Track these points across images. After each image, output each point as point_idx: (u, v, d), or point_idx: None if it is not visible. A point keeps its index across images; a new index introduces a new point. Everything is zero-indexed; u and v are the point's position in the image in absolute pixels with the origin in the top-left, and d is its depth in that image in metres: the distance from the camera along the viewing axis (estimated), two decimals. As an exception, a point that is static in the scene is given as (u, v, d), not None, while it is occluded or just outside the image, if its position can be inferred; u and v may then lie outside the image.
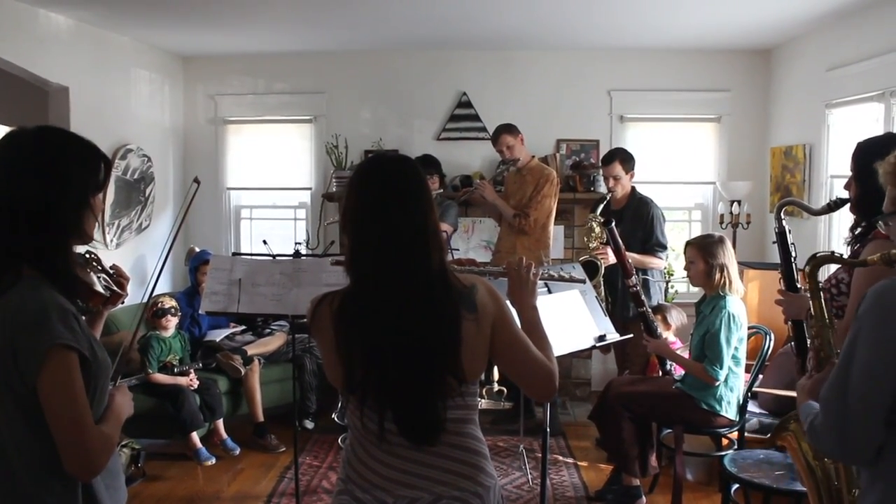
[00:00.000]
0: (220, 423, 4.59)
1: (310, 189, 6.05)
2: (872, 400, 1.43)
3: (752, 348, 3.89)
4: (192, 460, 4.39)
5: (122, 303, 1.87)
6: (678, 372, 3.94)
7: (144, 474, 4.15)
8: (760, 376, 3.81)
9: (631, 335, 3.85)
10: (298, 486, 3.73)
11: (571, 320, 3.29)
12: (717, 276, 3.53)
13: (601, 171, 4.83)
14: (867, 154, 2.16)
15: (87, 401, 1.48)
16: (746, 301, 4.21)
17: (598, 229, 4.38)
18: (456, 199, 5.11)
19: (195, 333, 5.03)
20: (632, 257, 4.15)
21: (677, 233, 5.81)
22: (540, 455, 3.79)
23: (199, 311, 4.45)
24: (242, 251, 5.94)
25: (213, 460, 4.41)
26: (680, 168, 5.83)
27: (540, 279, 1.95)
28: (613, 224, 4.04)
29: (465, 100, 5.85)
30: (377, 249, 1.60)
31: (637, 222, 4.43)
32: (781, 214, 2.55)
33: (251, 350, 4.90)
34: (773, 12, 4.53)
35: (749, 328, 3.69)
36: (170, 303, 4.66)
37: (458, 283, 1.64)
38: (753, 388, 3.73)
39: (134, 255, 5.41)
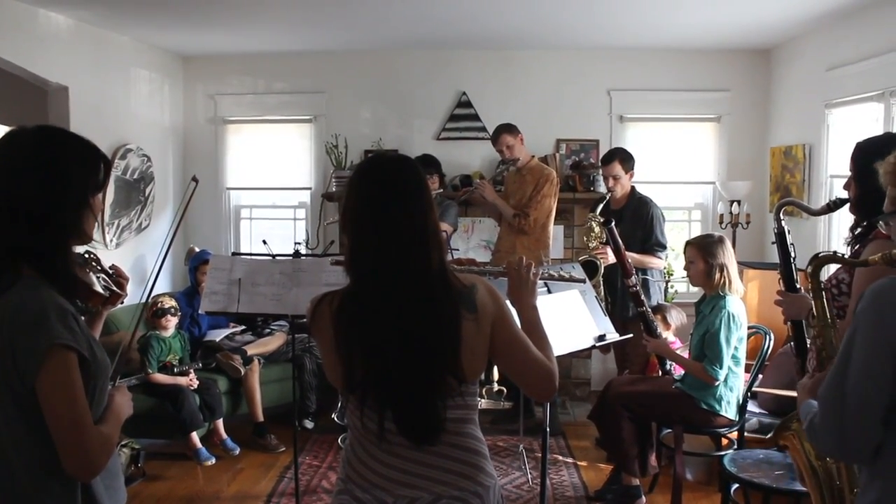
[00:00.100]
0: (220, 422, 4.59)
1: (309, 189, 6.05)
2: (870, 398, 1.43)
3: (751, 348, 3.89)
4: (191, 460, 4.39)
5: (122, 303, 1.87)
6: (678, 372, 3.94)
7: (144, 474, 4.15)
8: (760, 376, 3.80)
9: (630, 335, 3.85)
10: (298, 485, 3.73)
11: (571, 320, 3.29)
12: (717, 275, 3.53)
13: (601, 171, 4.83)
14: (866, 154, 2.16)
15: (86, 401, 1.48)
16: (746, 301, 4.21)
17: (597, 229, 4.37)
18: (456, 198, 5.11)
19: (195, 333, 5.03)
20: (631, 257, 4.15)
21: (677, 233, 5.81)
22: (540, 455, 3.79)
23: (199, 311, 4.46)
24: (242, 251, 5.94)
25: (213, 460, 4.41)
26: (680, 168, 5.84)
27: (540, 279, 1.95)
28: (613, 224, 4.04)
29: (465, 99, 5.85)
30: (377, 249, 1.60)
31: (637, 222, 4.43)
32: (780, 215, 2.54)
33: (251, 350, 4.90)
34: (773, 12, 4.53)
35: (749, 328, 3.69)
36: (169, 302, 4.65)
37: (458, 283, 1.64)
38: (753, 388, 3.74)
39: (133, 255, 5.41)
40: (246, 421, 4.77)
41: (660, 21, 4.84)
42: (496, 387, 4.69)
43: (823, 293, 2.03)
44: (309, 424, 4.92)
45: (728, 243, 3.63)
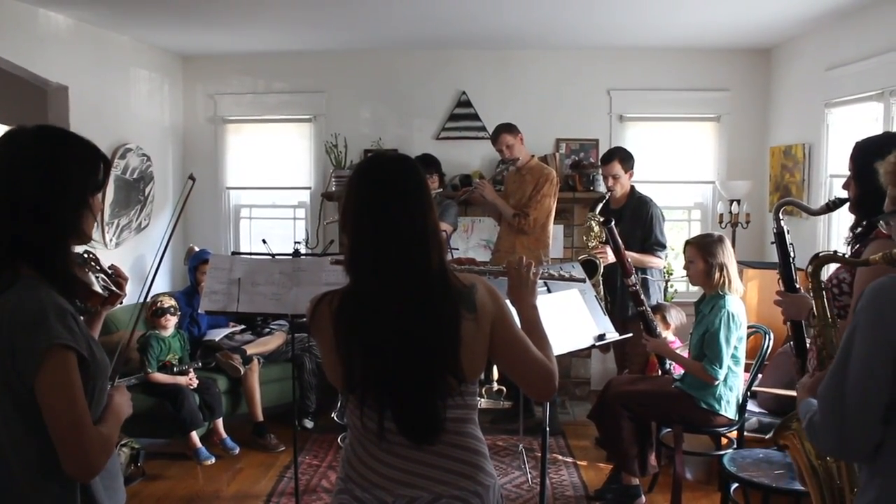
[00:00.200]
0: (220, 422, 4.59)
1: (309, 188, 6.05)
2: (870, 397, 1.43)
3: (751, 347, 3.89)
4: (191, 460, 4.39)
5: (121, 303, 1.87)
6: (677, 371, 3.94)
7: (144, 474, 4.14)
8: (760, 375, 3.80)
9: (630, 334, 3.85)
10: (298, 485, 3.73)
11: (571, 319, 3.29)
12: (717, 275, 3.53)
13: (600, 171, 4.83)
14: (866, 154, 2.15)
15: (85, 401, 1.47)
16: (746, 300, 4.21)
17: (597, 228, 4.38)
18: (455, 198, 5.11)
19: (194, 333, 5.03)
20: (631, 256, 4.15)
21: (677, 232, 5.81)
22: (539, 454, 3.79)
23: (199, 311, 4.46)
24: (242, 250, 5.93)
25: (213, 460, 4.41)
26: (679, 167, 5.83)
27: (540, 278, 1.95)
28: (613, 223, 4.04)
29: (465, 99, 5.85)
30: (377, 249, 1.60)
31: (636, 221, 4.43)
32: (780, 215, 2.54)
33: (250, 349, 4.90)
34: (772, 12, 4.53)
35: (748, 327, 3.69)
36: (169, 302, 4.65)
37: (458, 283, 1.64)
38: (753, 388, 3.74)
39: (133, 255, 5.41)
40: (246, 420, 4.77)
41: (660, 21, 4.84)
42: (496, 386, 4.69)
43: (824, 293, 2.03)
44: (309, 424, 4.92)
45: (728, 243, 3.63)
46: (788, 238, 2.53)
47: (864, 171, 2.08)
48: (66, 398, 1.44)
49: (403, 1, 4.41)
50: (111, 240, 5.13)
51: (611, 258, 4.25)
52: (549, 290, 3.23)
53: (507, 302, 1.77)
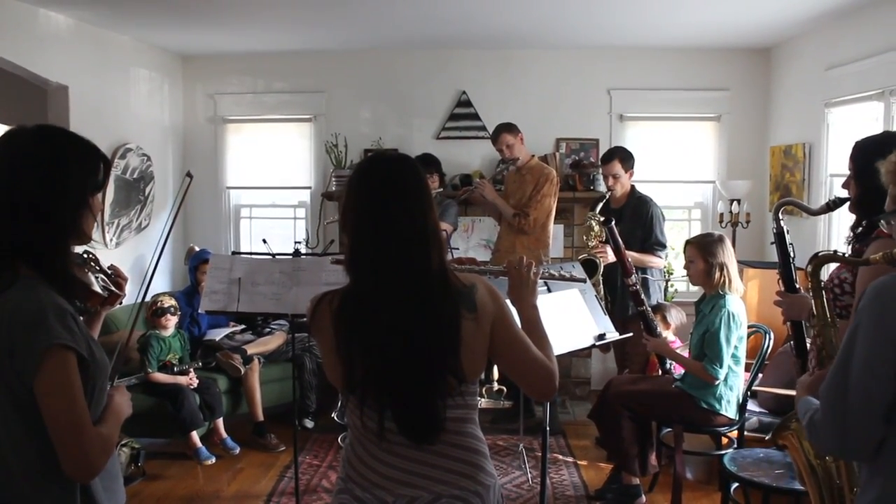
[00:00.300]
0: (220, 422, 4.59)
1: (309, 188, 6.05)
2: (872, 396, 1.43)
3: (751, 347, 3.89)
4: (191, 459, 4.39)
5: (120, 303, 1.87)
6: (678, 371, 3.94)
7: (144, 473, 4.14)
8: (760, 375, 3.81)
9: (630, 334, 3.85)
10: (298, 485, 3.73)
11: (571, 319, 3.29)
12: (717, 275, 3.53)
13: (600, 170, 4.83)
14: (865, 153, 2.15)
15: (85, 402, 1.47)
16: (746, 300, 4.21)
17: (597, 228, 4.38)
18: (456, 198, 5.11)
19: (195, 332, 5.03)
20: (631, 256, 4.15)
21: (677, 232, 5.81)
22: (540, 454, 3.79)
23: (199, 310, 4.46)
24: (242, 250, 5.93)
25: (213, 459, 4.41)
26: (679, 167, 5.83)
27: (540, 278, 1.95)
28: (613, 223, 4.04)
29: (465, 99, 5.85)
30: (377, 248, 1.60)
31: (636, 221, 4.43)
32: (780, 215, 2.54)
33: (251, 349, 4.90)
34: (772, 12, 4.53)
35: (749, 327, 3.69)
36: (169, 302, 4.65)
37: (458, 283, 1.64)
38: (753, 387, 3.74)
39: (133, 255, 5.41)
40: (246, 420, 4.77)
41: (660, 20, 4.84)
42: (496, 386, 4.69)
43: (823, 292, 2.03)
44: (309, 424, 4.92)
45: (728, 242, 3.63)
46: (788, 238, 2.53)
47: (864, 171, 2.08)
48: (65, 398, 1.43)
49: (403, 1, 4.41)
50: (111, 240, 5.13)
51: (611, 258, 4.25)
52: (549, 290, 3.23)
53: (508, 302, 1.77)
